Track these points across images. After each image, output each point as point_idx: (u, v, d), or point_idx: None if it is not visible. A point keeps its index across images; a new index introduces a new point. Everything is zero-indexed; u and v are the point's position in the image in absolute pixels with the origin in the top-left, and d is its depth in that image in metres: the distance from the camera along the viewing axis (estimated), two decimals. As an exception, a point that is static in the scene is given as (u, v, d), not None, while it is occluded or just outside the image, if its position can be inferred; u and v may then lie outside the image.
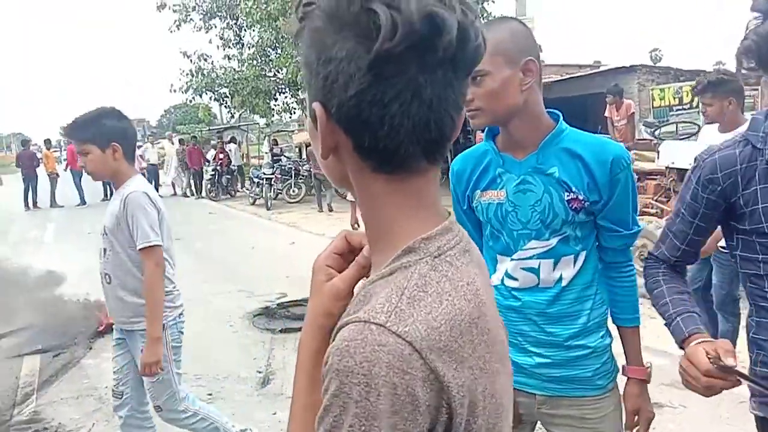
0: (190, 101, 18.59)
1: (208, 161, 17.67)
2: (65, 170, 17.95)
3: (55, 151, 19.35)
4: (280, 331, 5.07)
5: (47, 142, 18.86)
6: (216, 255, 8.75)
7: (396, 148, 0.64)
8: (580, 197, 1.53)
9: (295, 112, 18.19)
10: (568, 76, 14.81)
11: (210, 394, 3.91)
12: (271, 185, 14.57)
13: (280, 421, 3.51)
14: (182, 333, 2.69)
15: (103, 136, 2.47)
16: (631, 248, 1.68)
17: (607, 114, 8.96)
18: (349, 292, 0.74)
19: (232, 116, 21.90)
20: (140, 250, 2.50)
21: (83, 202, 16.81)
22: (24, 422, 3.69)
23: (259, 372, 4.24)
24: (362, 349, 0.57)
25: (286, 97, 17.16)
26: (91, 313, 5.57)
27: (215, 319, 5.56)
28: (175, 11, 16.07)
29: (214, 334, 5.15)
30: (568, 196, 1.53)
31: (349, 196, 5.49)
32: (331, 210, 12.76)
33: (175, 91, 16.81)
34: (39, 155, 18.12)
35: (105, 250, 2.61)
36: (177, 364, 2.69)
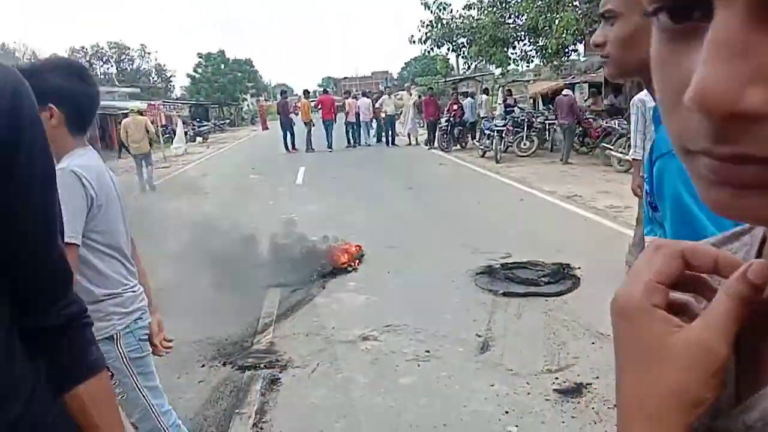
0: (429, 52, 18.78)
1: (442, 112, 17.85)
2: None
3: (312, 101, 21.27)
4: (502, 293, 4.77)
5: (305, 92, 20.85)
6: (444, 207, 8.74)
7: None
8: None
9: (532, 61, 17.31)
10: None
11: (428, 352, 3.82)
12: (501, 137, 14.14)
13: (497, 395, 3.26)
14: (143, 341, 2.17)
15: (39, 94, 1.89)
16: None
17: None
18: (730, 354, 0.37)
19: (469, 67, 21.73)
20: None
21: (330, 147, 18.71)
22: (261, 351, 4.01)
23: (479, 336, 4.02)
24: None
25: (524, 44, 16.39)
26: (328, 253, 5.91)
27: (440, 272, 5.48)
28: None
29: (437, 288, 5.07)
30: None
31: (632, 153, 4.71)
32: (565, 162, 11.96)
33: (414, 42, 17.15)
34: (298, 104, 20.01)
35: None
36: (144, 377, 2.17)
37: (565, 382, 3.37)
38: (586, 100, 18.75)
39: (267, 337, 4.25)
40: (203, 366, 3.87)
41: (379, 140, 20.03)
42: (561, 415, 3.05)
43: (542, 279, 5.05)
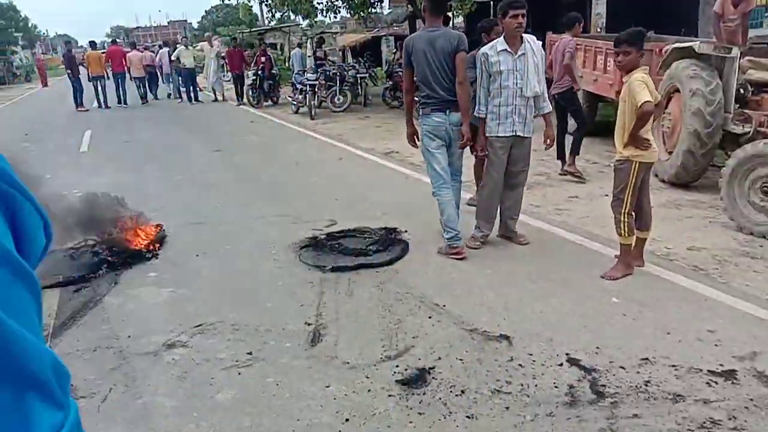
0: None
1: (249, 65, 16.70)
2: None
3: (103, 53, 18.66)
4: (331, 269, 4.31)
5: (92, 44, 18.15)
6: (257, 171, 7.99)
7: None
8: None
9: (339, 12, 16.80)
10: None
11: (249, 354, 3.22)
12: (314, 93, 13.56)
13: (335, 398, 2.80)
14: None
15: None
16: None
17: (717, 9, 7.40)
18: None
19: (273, 17, 20.62)
20: None
21: (125, 103, 17.30)
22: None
23: (308, 324, 3.52)
24: None
25: (331, -5, 15.85)
26: (120, 236, 4.94)
27: (258, 250, 4.85)
28: None
29: (256, 270, 4.44)
30: None
31: (477, 110, 4.68)
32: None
33: (213, -13, 15.63)
34: (84, 57, 17.53)
35: None
36: None
37: (407, 369, 3.02)
38: (394, 53, 18.86)
39: (39, 360, 3.30)
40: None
41: (178, 96, 18.22)
42: (407, 413, 2.68)
43: (371, 248, 4.68)
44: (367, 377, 2.98)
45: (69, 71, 16.84)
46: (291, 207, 6.00)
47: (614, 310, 3.53)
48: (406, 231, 5.05)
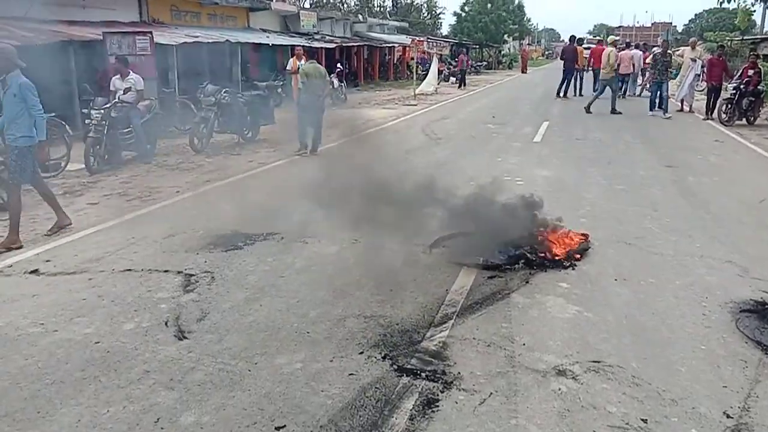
0: (728, 1, 15.38)
1: (731, 77, 14.64)
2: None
3: (586, 48, 21.02)
4: (779, 353, 3.34)
5: (579, 40, 20.87)
6: (711, 200, 6.91)
7: None
8: None
9: None
10: None
11: (644, 421, 2.72)
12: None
13: None
14: None
15: None
16: None
17: None
18: None
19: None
20: None
21: (600, 93, 15.93)
22: (429, 353, 3.30)
23: (728, 416, 2.78)
24: None
25: None
26: (544, 238, 4.92)
27: (686, 295, 4.14)
28: None
29: (678, 320, 3.78)
30: None
31: None
32: None
33: (712, -13, 14.13)
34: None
35: None
36: None
37: None
38: None
39: (442, 334, 3.52)
40: (361, 353, 3.32)
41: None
42: None
43: None
44: None
45: (565, 62, 19.43)
46: (741, 254, 4.94)
47: None
48: None
